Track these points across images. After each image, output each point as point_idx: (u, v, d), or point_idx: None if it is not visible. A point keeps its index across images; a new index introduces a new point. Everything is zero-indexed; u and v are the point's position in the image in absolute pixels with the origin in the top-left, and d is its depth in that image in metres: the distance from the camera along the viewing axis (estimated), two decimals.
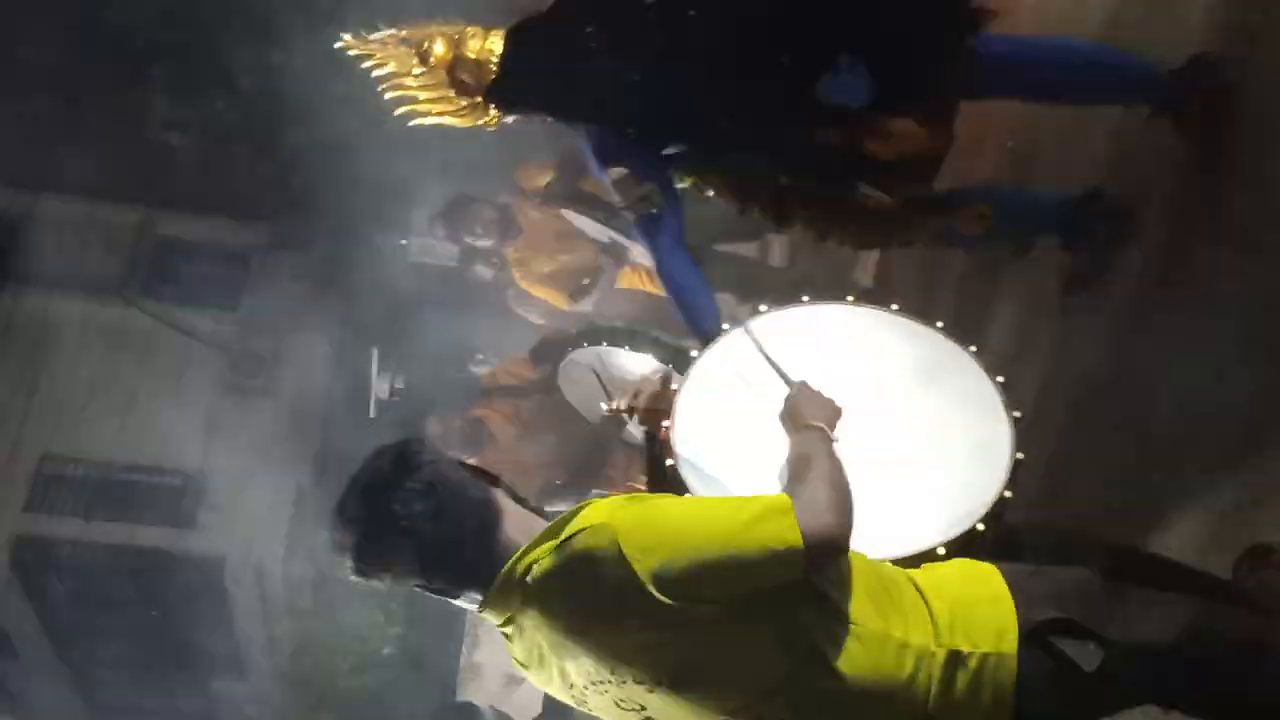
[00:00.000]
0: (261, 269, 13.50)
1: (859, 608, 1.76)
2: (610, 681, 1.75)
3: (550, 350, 4.94)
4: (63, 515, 12.73)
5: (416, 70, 2.80)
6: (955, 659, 1.74)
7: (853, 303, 2.34)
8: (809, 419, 1.95)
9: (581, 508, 1.76)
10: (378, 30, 2.88)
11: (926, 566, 1.90)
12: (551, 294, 5.46)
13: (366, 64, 2.84)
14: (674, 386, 2.18)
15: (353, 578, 1.81)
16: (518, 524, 1.81)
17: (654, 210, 2.64)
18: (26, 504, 12.64)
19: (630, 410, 2.13)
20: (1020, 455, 1.99)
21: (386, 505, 1.78)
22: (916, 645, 1.74)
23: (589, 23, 2.60)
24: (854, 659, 1.72)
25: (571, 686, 1.84)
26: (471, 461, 1.91)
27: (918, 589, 1.83)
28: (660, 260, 2.70)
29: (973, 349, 2.18)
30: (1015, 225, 3.08)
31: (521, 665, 1.89)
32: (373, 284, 11.03)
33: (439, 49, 2.79)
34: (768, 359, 2.14)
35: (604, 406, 2.31)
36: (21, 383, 12.64)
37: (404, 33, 2.87)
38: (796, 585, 1.70)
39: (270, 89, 8.48)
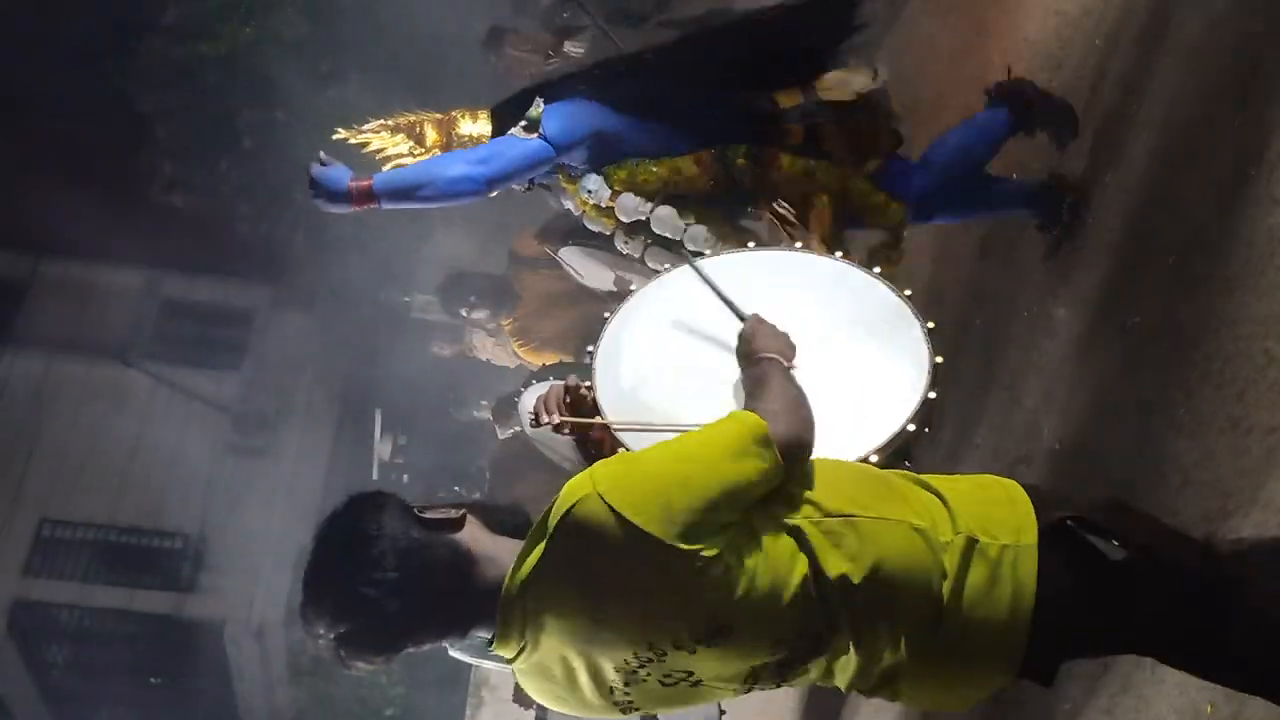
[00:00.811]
0: (264, 329, 13.52)
1: (852, 501, 1.75)
2: (651, 659, 1.68)
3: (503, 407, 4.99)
4: (62, 579, 12.63)
5: (416, 152, 3.00)
6: (971, 548, 1.71)
7: (797, 249, 2.50)
8: (764, 350, 1.96)
9: (554, 501, 1.69)
10: (368, 121, 3.07)
11: (940, 476, 1.87)
12: (554, 358, 5.40)
13: (366, 150, 3.03)
14: (584, 385, 2.17)
15: (359, 668, 1.74)
16: (497, 554, 1.73)
17: (531, 121, 2.88)
18: (24, 567, 12.55)
19: (560, 424, 2.08)
20: (939, 359, 2.07)
21: (351, 599, 1.69)
22: (927, 529, 1.73)
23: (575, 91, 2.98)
24: (851, 551, 1.70)
25: (612, 691, 1.74)
26: (426, 508, 1.81)
27: (931, 489, 1.81)
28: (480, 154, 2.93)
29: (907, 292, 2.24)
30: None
31: (550, 701, 1.79)
32: (375, 342, 11.03)
33: (431, 135, 3.00)
34: (717, 293, 2.12)
35: (528, 424, 2.40)
36: (20, 445, 12.61)
37: (393, 122, 3.06)
38: (779, 496, 1.73)
39: (273, 148, 8.53)
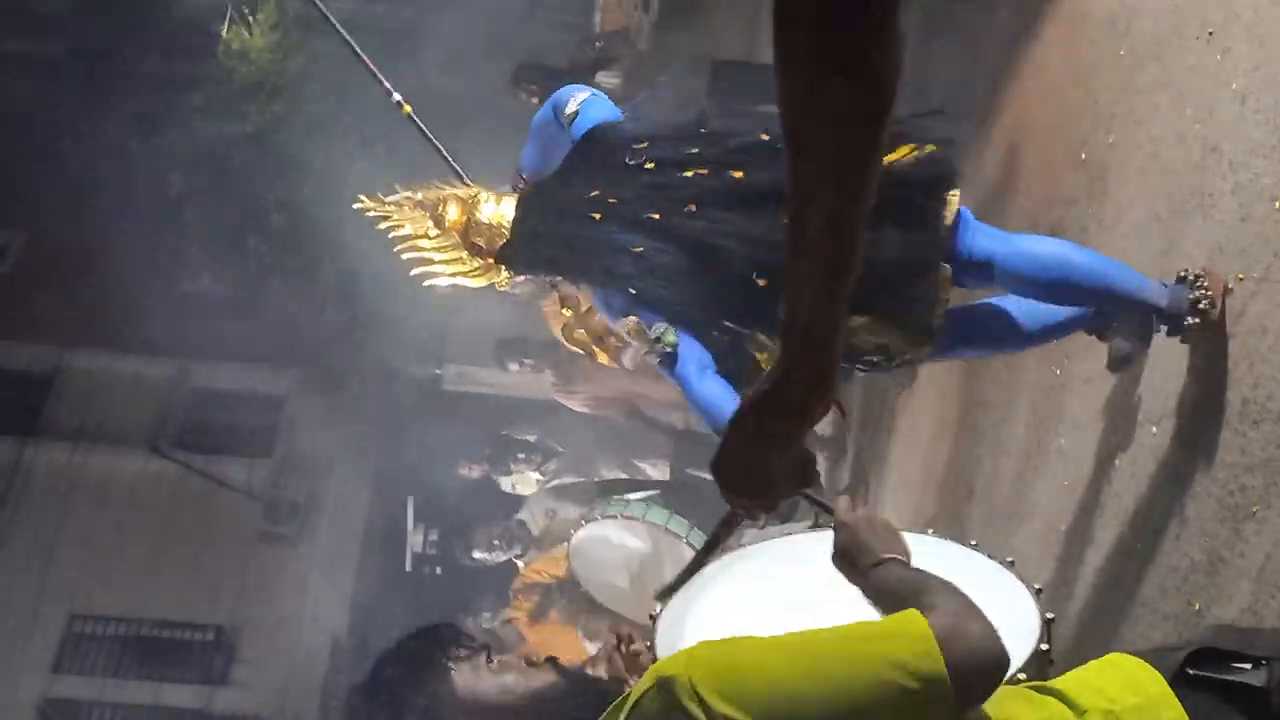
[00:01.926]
0: (295, 414, 13.41)
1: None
2: None
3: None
4: (92, 675, 12.40)
5: (432, 233, 2.89)
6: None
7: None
8: (881, 551, 1.53)
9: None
10: (394, 192, 2.97)
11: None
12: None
13: (383, 225, 2.92)
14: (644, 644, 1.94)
15: None
16: None
17: (669, 349, 2.63)
18: (55, 664, 12.32)
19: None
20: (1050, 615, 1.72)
21: None
22: None
23: (594, 191, 2.69)
24: None
25: None
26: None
27: (1045, 690, 1.51)
28: (688, 391, 2.67)
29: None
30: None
31: None
32: (408, 423, 10.88)
33: (453, 213, 2.88)
34: (806, 496, 1.72)
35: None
36: (47, 538, 12.48)
37: (419, 195, 2.95)
38: None
39: (302, 225, 8.48)
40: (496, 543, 5.57)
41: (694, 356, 2.65)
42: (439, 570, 14.43)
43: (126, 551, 12.58)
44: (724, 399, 2.60)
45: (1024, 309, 2.80)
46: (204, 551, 12.74)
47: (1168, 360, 2.81)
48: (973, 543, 1.94)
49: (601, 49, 4.93)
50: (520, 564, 5.53)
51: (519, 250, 2.82)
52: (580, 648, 4.75)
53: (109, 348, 12.51)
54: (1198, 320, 2.59)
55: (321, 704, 12.81)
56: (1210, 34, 2.74)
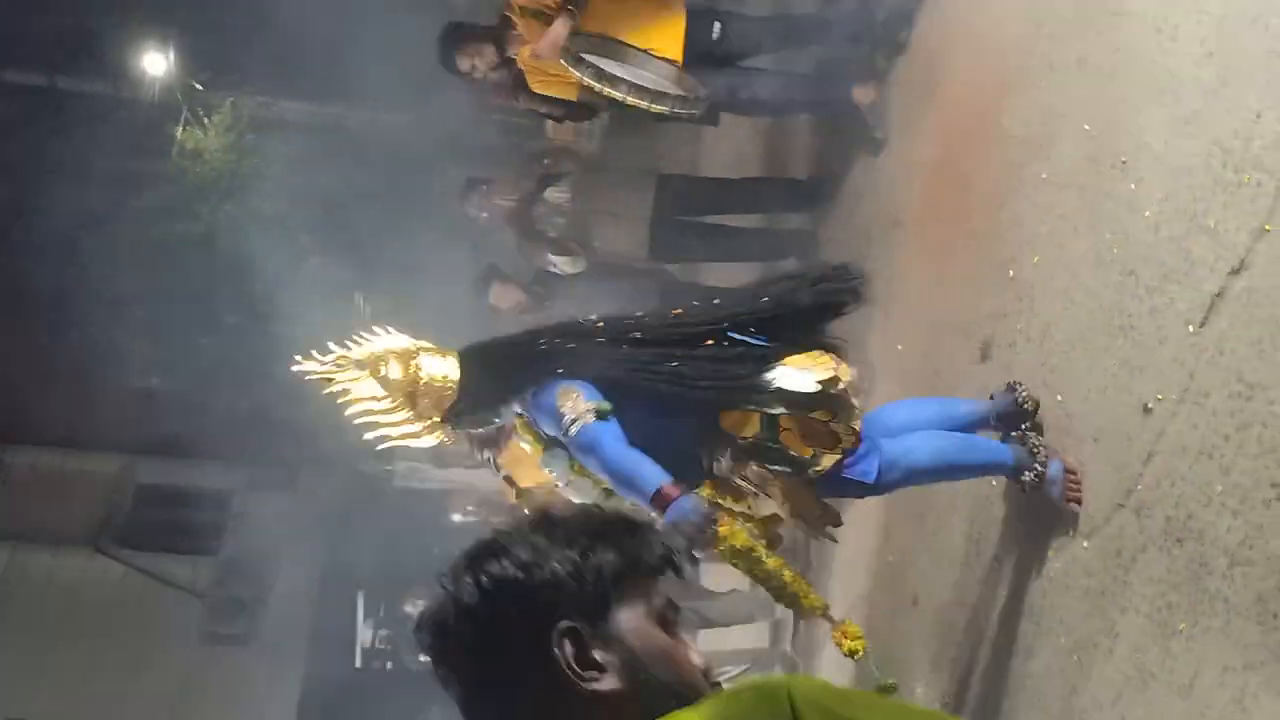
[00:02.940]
0: (242, 511, 13.21)
1: None
2: None
3: None
4: None
5: (379, 394, 2.90)
6: None
7: None
8: None
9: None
10: (328, 351, 2.96)
11: None
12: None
13: (327, 391, 2.92)
14: None
15: None
16: None
17: (604, 414, 2.78)
18: None
19: None
20: None
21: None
22: None
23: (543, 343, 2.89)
24: None
25: None
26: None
27: None
28: (604, 463, 2.77)
29: None
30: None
31: None
32: (357, 520, 10.76)
33: (395, 372, 2.90)
34: None
35: None
36: None
37: (356, 354, 2.95)
38: None
39: (253, 324, 8.46)
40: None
41: (616, 431, 2.76)
42: (389, 665, 14.16)
43: (64, 654, 12.22)
44: (633, 459, 2.72)
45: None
46: (145, 653, 12.41)
47: (1099, 477, 2.88)
48: None
49: (548, 165, 5.04)
50: None
51: (466, 408, 2.91)
52: None
53: (53, 444, 12.32)
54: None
55: None
56: (1124, 162, 2.86)
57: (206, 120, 8.95)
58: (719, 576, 5.46)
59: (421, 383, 2.87)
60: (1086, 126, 3.04)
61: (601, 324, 2.91)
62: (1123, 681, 2.72)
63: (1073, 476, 2.95)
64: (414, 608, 5.76)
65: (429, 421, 2.90)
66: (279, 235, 8.60)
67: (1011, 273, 3.37)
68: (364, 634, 14.08)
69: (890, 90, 4.47)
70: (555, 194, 4.84)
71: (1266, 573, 2.30)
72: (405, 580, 10.08)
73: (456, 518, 5.97)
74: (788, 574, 2.94)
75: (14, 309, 10.38)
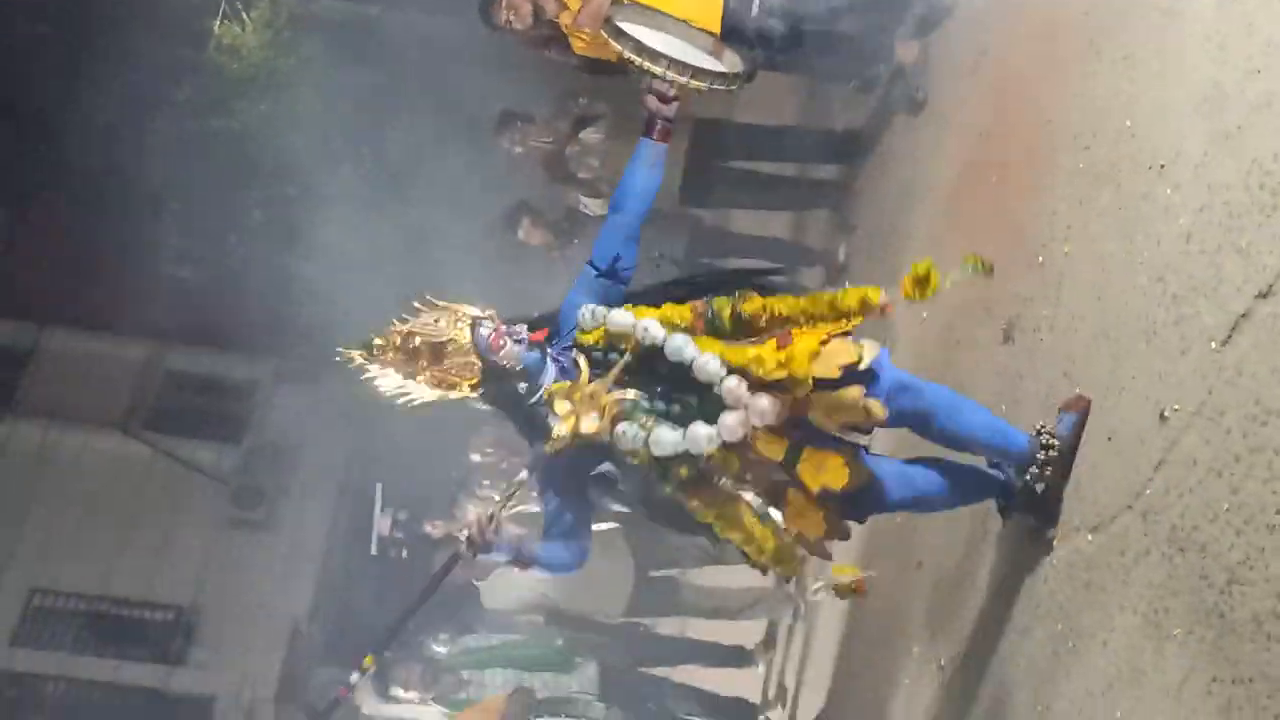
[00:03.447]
0: (267, 402, 13.44)
1: None
2: None
3: None
4: (51, 650, 12.42)
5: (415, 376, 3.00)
6: None
7: None
8: None
9: None
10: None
11: None
12: None
13: (365, 376, 3.02)
14: None
15: None
16: None
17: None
18: (13, 637, 12.34)
19: None
20: None
21: None
22: None
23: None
24: None
25: None
26: None
27: None
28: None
29: None
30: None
31: None
32: (378, 415, 10.93)
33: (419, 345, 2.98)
34: None
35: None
36: (14, 513, 12.49)
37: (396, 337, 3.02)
38: None
39: (283, 223, 8.51)
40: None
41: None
42: (404, 554, 14.51)
43: (92, 529, 12.59)
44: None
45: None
46: (169, 533, 12.78)
47: (1110, 475, 2.93)
48: None
49: (584, 106, 5.00)
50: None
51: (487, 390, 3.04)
52: None
53: (86, 327, 12.51)
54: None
55: (279, 690, 12.87)
56: (1162, 166, 2.84)
57: (245, 16, 8.86)
58: None
59: (456, 356, 2.96)
60: (1128, 123, 3.01)
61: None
62: (1114, 674, 2.80)
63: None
64: (434, 529, 5.89)
65: (456, 383, 2.99)
66: (313, 135, 8.59)
67: (1041, 259, 3.37)
68: (381, 524, 14.40)
69: (934, 51, 4.42)
70: (590, 135, 4.83)
71: (1265, 594, 2.36)
72: (424, 470, 10.29)
73: (475, 458, 6.07)
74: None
75: (52, 196, 10.47)
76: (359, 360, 3.01)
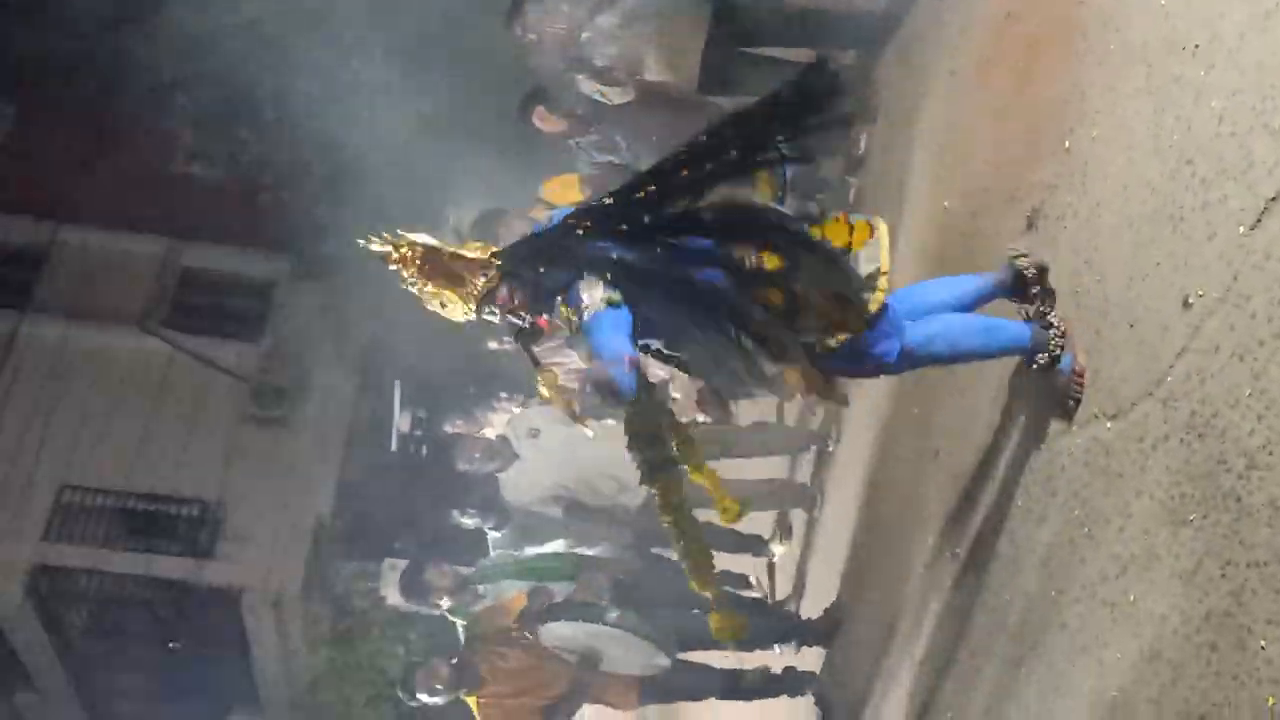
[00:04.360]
0: (285, 300, 13.47)
1: None
2: None
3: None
4: (81, 544, 12.71)
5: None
6: None
7: None
8: None
9: None
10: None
11: None
12: None
13: (392, 266, 3.07)
14: None
15: None
16: None
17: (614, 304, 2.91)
18: (44, 532, 12.62)
19: None
20: None
21: None
22: None
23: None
24: None
25: None
26: None
27: None
28: (593, 345, 2.93)
29: None
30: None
31: None
32: (396, 313, 10.96)
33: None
34: None
35: None
36: (40, 411, 12.65)
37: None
38: None
39: (295, 118, 8.42)
40: (478, 456, 5.65)
41: (617, 318, 2.89)
42: (424, 450, 14.70)
43: (116, 426, 12.76)
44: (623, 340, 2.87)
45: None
46: (192, 430, 12.94)
47: (1131, 363, 2.92)
48: None
49: None
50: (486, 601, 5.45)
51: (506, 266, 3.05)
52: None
53: (103, 225, 12.49)
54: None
55: (305, 579, 13.16)
56: (1197, 47, 2.77)
57: None
58: (745, 408, 5.59)
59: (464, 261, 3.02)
60: (1163, 2, 2.92)
61: (612, 204, 2.95)
62: (1129, 558, 2.83)
63: (1079, 377, 3.04)
64: (453, 427, 5.93)
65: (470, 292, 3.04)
66: (326, 27, 8.45)
67: (1068, 144, 3.31)
68: (400, 421, 14.57)
69: None
70: (606, 20, 4.73)
71: None
72: (441, 370, 10.35)
73: (492, 345, 6.09)
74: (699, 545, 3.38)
75: (67, 93, 10.36)
76: (383, 248, 3.02)
